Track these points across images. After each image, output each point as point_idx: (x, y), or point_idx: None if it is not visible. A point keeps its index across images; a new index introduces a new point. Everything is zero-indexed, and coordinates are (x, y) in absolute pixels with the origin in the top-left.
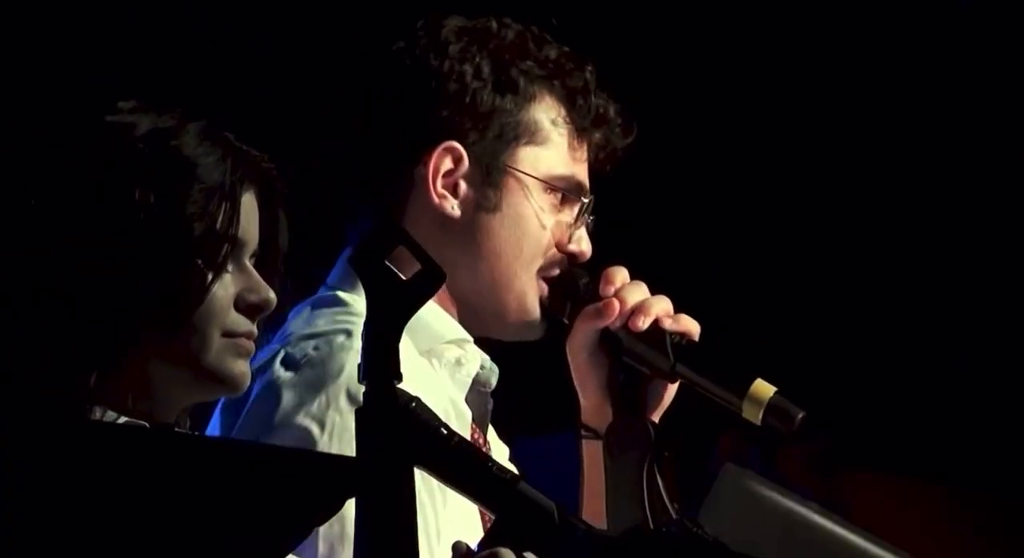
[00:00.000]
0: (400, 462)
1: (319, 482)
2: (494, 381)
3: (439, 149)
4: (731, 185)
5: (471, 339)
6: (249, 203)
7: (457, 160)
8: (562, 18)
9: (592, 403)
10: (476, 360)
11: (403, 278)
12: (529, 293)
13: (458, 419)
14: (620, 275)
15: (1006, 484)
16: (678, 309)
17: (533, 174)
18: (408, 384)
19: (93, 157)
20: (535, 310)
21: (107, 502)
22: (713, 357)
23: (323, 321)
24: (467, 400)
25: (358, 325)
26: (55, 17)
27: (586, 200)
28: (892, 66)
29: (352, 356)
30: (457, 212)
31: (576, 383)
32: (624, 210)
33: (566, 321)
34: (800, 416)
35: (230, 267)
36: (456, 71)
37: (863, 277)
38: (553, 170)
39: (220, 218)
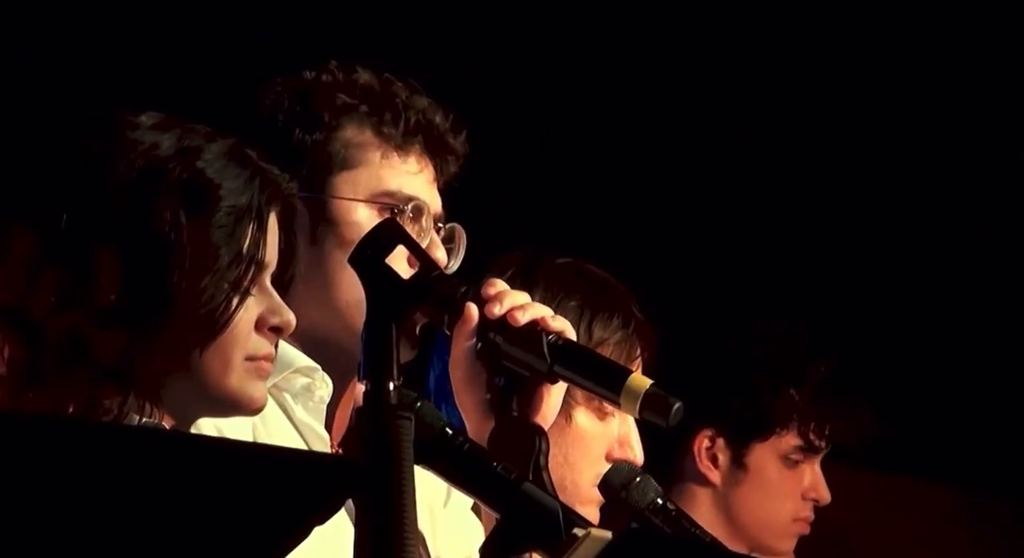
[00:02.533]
0: (399, 461)
1: (319, 482)
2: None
3: None
4: (742, 190)
5: (319, 368)
6: (271, 224)
7: None
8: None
9: (475, 422)
10: (327, 387)
11: (402, 278)
12: None
13: (320, 444)
14: (500, 282)
15: (1009, 485)
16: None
17: (354, 197)
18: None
19: (123, 176)
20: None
21: (106, 502)
22: (589, 354)
23: None
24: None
25: None
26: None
27: (409, 206)
28: (893, 60)
29: None
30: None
31: (459, 403)
32: (635, 211)
33: (448, 332)
34: (676, 407)
35: (253, 290)
36: (267, 119)
37: (871, 279)
38: (374, 188)
39: (247, 241)
